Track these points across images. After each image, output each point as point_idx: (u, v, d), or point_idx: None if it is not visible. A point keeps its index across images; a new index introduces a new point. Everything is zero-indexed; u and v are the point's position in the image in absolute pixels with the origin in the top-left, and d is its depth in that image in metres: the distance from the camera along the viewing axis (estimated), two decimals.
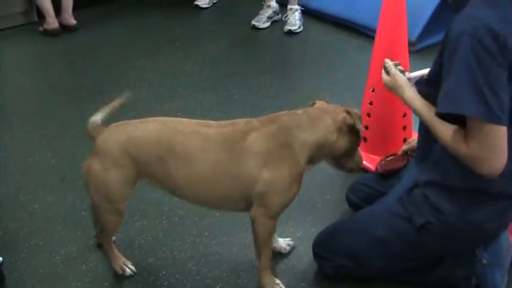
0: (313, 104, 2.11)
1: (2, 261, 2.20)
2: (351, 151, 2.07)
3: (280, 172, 1.93)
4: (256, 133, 1.94)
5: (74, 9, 4.64)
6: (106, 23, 4.81)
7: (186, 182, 1.99)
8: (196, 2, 5.07)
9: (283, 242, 2.34)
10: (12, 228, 2.52)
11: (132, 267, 2.23)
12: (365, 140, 2.87)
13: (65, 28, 4.60)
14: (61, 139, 3.19)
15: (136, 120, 2.07)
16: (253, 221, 2.02)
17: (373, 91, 2.78)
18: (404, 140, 2.83)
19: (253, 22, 4.61)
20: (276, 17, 4.69)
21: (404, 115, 2.79)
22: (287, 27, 4.48)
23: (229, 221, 2.53)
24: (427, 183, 1.98)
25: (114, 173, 1.99)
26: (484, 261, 2.02)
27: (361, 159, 2.16)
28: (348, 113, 2.01)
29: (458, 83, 1.67)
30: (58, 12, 4.58)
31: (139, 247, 2.38)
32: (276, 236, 2.31)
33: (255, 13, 4.67)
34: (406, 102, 1.97)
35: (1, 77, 3.98)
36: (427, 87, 1.91)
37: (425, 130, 2.02)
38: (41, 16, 4.63)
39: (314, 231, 2.39)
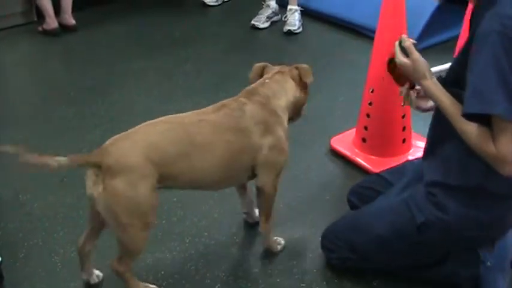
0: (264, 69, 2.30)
1: (1, 261, 2.20)
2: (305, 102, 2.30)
3: (277, 135, 2.14)
4: (248, 107, 2.11)
5: (73, 10, 4.63)
6: (105, 24, 4.81)
7: (208, 168, 2.05)
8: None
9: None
10: (11, 228, 2.52)
11: (154, 286, 2.16)
12: (364, 140, 2.87)
13: (64, 28, 4.59)
14: (59, 139, 3.19)
15: (135, 128, 2.02)
16: (263, 188, 2.19)
17: (372, 92, 2.79)
18: (404, 141, 2.84)
19: (252, 22, 4.61)
20: (276, 18, 4.68)
21: (404, 116, 2.79)
22: (287, 28, 4.48)
23: (228, 221, 2.53)
24: (433, 183, 1.97)
25: (143, 186, 1.91)
26: (488, 263, 2.02)
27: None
28: (297, 68, 2.25)
29: (487, 82, 1.62)
30: (57, 12, 4.57)
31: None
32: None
33: (255, 13, 4.67)
34: (428, 93, 1.86)
35: (0, 77, 3.98)
36: (444, 87, 1.84)
37: (436, 125, 2.00)
38: (41, 16, 4.63)
39: (313, 232, 2.40)
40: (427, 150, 2.08)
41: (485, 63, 1.62)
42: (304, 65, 2.27)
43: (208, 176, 2.07)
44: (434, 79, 1.86)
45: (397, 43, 1.94)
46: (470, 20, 1.84)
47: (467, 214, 1.90)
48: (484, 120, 1.68)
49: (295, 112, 2.29)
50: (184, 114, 2.11)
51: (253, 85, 2.22)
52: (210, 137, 2.03)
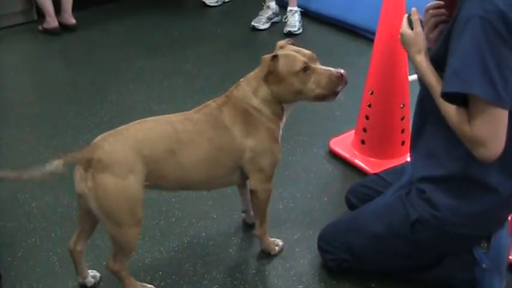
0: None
1: None
2: (300, 84, 2.10)
3: (259, 136, 2.12)
4: (225, 108, 2.12)
5: (73, 9, 4.64)
6: (105, 23, 4.81)
7: (193, 165, 2.06)
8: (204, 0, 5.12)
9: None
10: (9, 227, 2.52)
11: (151, 286, 2.18)
12: (363, 142, 2.87)
13: (64, 28, 4.60)
14: (59, 139, 3.19)
15: (125, 126, 2.04)
16: (254, 192, 2.19)
17: (371, 94, 2.79)
18: (403, 143, 2.84)
19: (252, 23, 4.61)
20: (276, 19, 4.69)
21: (403, 118, 2.79)
22: (287, 29, 4.48)
23: (226, 222, 2.53)
24: (421, 179, 2.00)
25: (132, 179, 1.92)
26: (484, 265, 2.02)
27: (321, 81, 2.24)
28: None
29: (467, 63, 1.66)
30: (58, 11, 4.58)
31: (137, 247, 2.37)
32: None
33: (255, 14, 4.68)
34: (418, 70, 1.90)
35: None
36: None
37: (420, 112, 2.04)
38: (41, 15, 4.64)
39: (311, 234, 2.40)
40: (412, 138, 2.10)
41: (466, 46, 1.66)
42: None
43: (194, 173, 2.08)
44: (428, 57, 1.90)
45: (406, 15, 2.02)
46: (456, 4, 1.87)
47: (458, 208, 1.91)
48: (462, 102, 1.72)
49: (291, 99, 2.13)
50: (169, 115, 2.14)
51: (232, 87, 2.20)
52: (194, 134, 2.06)
